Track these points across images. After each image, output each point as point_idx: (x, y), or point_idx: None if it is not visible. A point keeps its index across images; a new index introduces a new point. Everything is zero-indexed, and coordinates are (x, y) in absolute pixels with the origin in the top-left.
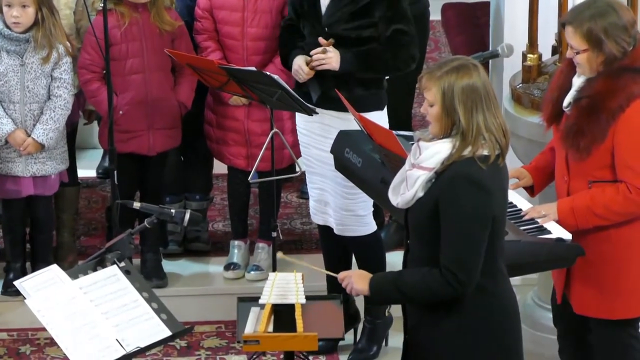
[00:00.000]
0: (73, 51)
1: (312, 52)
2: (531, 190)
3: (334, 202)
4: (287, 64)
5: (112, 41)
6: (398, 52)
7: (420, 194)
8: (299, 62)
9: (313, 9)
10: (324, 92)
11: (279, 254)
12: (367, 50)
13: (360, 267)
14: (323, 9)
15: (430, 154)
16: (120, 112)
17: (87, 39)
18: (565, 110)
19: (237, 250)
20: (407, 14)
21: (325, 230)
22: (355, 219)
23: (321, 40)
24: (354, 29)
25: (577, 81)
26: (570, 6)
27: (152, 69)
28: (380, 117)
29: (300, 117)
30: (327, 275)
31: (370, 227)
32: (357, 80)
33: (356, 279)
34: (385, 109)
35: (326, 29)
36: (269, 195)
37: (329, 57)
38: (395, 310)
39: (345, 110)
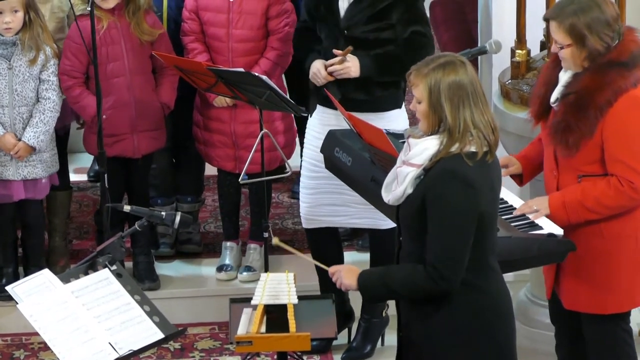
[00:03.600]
0: (60, 52)
1: (328, 63)
2: (519, 180)
3: (351, 199)
4: (304, 67)
5: (91, 45)
6: (416, 54)
7: (410, 190)
8: (318, 66)
9: (330, 12)
10: (344, 94)
11: (275, 240)
12: (385, 53)
13: (372, 262)
14: (341, 11)
15: (418, 150)
16: (104, 116)
17: (67, 44)
18: (552, 105)
19: (228, 251)
20: (424, 16)
21: (317, 233)
22: (376, 212)
23: (336, 51)
24: (372, 31)
25: (564, 76)
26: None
27: (133, 71)
28: (399, 115)
29: (316, 121)
30: (320, 276)
31: (391, 222)
32: (376, 82)
33: (345, 274)
34: (404, 106)
35: (345, 31)
36: (259, 196)
37: (347, 67)
38: (393, 310)
39: (366, 111)
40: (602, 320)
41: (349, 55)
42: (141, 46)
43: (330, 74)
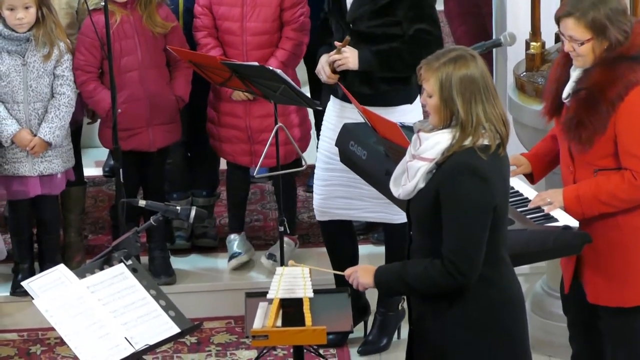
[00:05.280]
0: (73, 48)
1: (330, 55)
2: (531, 178)
3: (366, 193)
4: (314, 62)
5: (105, 40)
6: (419, 52)
7: (422, 184)
8: (322, 62)
9: (337, 5)
10: (349, 89)
11: (290, 263)
12: (387, 49)
13: (387, 256)
14: (348, 5)
15: (430, 144)
16: (119, 110)
17: (80, 39)
18: (565, 101)
19: (234, 242)
20: (431, 14)
21: (331, 226)
22: (390, 206)
23: (336, 43)
24: (379, 26)
25: (575, 72)
26: None
27: (147, 65)
28: (410, 111)
29: (332, 113)
30: (336, 276)
31: (404, 216)
32: (381, 77)
33: (361, 274)
34: (418, 102)
35: (351, 25)
36: (282, 190)
37: (345, 57)
38: None
39: (372, 105)
40: (621, 313)
41: (348, 47)
42: (154, 39)
43: (334, 71)
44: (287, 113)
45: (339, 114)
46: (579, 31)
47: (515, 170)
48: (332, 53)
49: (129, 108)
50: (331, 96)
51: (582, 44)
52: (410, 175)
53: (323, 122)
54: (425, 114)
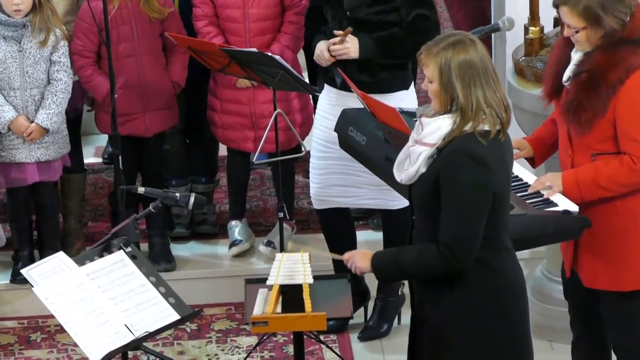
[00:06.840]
0: (71, 35)
1: (329, 42)
2: (532, 162)
3: (362, 180)
4: (311, 49)
5: (102, 26)
6: (419, 38)
7: (423, 169)
8: (321, 48)
9: None
10: (348, 76)
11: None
12: (387, 36)
13: (385, 241)
14: None
15: (432, 129)
16: (115, 95)
17: (77, 25)
18: (565, 84)
19: (236, 229)
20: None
21: (328, 213)
22: (387, 192)
23: (336, 32)
24: (376, 13)
25: (576, 55)
26: None
27: (143, 51)
28: (406, 96)
29: (325, 101)
30: (334, 262)
31: (403, 202)
32: (380, 64)
33: (359, 257)
34: (412, 87)
35: (348, 13)
36: (281, 176)
37: (347, 47)
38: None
39: (371, 92)
40: (620, 298)
41: (349, 36)
42: (151, 25)
43: (332, 54)
44: (290, 98)
45: (333, 102)
46: (573, 20)
47: (518, 153)
48: (332, 40)
49: (125, 94)
50: (325, 85)
51: (578, 31)
52: (412, 160)
53: (317, 111)
54: (423, 100)
